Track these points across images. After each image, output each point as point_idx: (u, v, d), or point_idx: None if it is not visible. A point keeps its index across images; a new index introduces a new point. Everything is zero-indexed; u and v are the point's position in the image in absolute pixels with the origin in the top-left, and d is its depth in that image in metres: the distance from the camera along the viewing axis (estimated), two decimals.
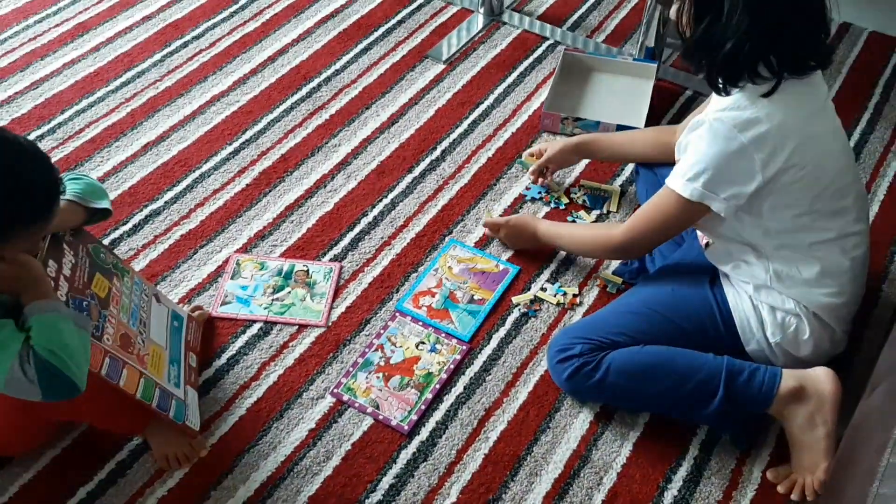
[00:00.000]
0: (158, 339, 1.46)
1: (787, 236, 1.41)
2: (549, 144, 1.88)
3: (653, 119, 2.07)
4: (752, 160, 1.32)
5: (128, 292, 1.44)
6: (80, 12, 2.40)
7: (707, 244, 1.54)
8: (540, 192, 1.90)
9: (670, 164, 1.47)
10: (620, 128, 2.00)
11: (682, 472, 1.44)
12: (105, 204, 1.41)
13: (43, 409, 1.27)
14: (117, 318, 1.38)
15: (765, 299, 1.44)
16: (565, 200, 1.89)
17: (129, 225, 1.81)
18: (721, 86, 1.34)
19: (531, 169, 1.90)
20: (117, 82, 2.17)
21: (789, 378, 1.40)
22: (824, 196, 1.39)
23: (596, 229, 1.70)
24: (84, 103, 2.11)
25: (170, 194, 1.89)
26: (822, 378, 1.39)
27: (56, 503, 1.37)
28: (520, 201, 1.89)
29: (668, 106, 2.15)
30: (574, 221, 1.84)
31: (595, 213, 1.87)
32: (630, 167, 1.96)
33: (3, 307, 1.22)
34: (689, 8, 1.34)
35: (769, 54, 1.30)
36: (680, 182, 1.38)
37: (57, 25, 2.35)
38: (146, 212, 1.85)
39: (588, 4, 2.50)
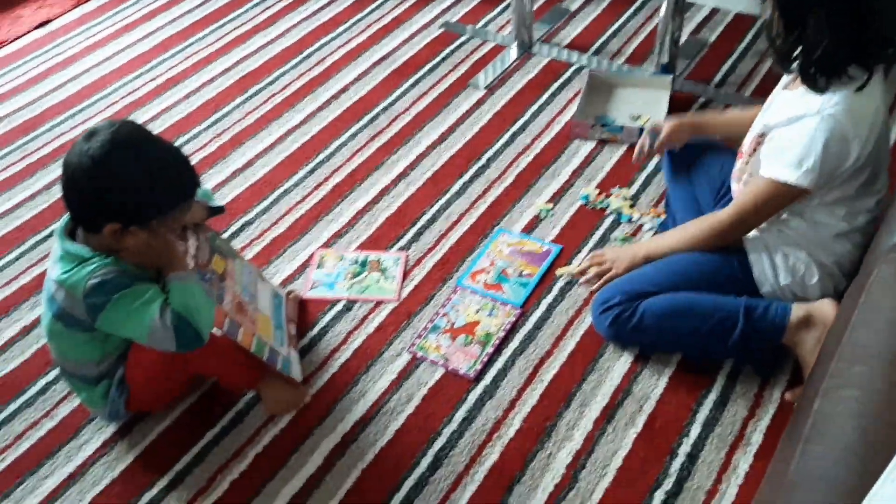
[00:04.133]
0: (265, 309, 1.77)
1: (836, 206, 1.62)
2: (665, 123, 1.97)
3: None
4: (854, 147, 1.51)
5: (239, 270, 1.76)
6: (170, 69, 2.80)
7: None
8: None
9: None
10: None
11: (712, 396, 1.69)
12: (219, 203, 1.75)
13: (180, 363, 1.57)
14: (233, 289, 1.69)
15: (780, 247, 1.69)
16: (636, 215, 2.10)
17: (228, 233, 2.14)
18: (820, 85, 1.51)
19: (656, 145, 1.98)
20: (207, 123, 2.55)
21: (798, 309, 1.64)
22: (874, 168, 1.60)
23: (703, 223, 1.76)
24: (180, 141, 2.47)
25: (259, 207, 2.23)
26: (826, 307, 1.63)
27: (188, 444, 1.66)
28: (559, 194, 2.19)
29: (685, 110, 2.44)
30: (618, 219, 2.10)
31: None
32: (653, 165, 2.25)
33: (149, 278, 1.54)
34: (778, 22, 1.53)
35: (859, 53, 1.47)
36: (796, 173, 1.54)
37: (151, 80, 2.75)
38: (241, 222, 2.18)
39: (608, 33, 2.83)
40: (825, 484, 0.97)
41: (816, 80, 1.53)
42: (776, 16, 1.53)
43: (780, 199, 1.62)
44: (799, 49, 1.54)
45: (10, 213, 2.28)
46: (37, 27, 3.07)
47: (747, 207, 1.66)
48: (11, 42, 3.01)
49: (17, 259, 2.13)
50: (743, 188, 1.71)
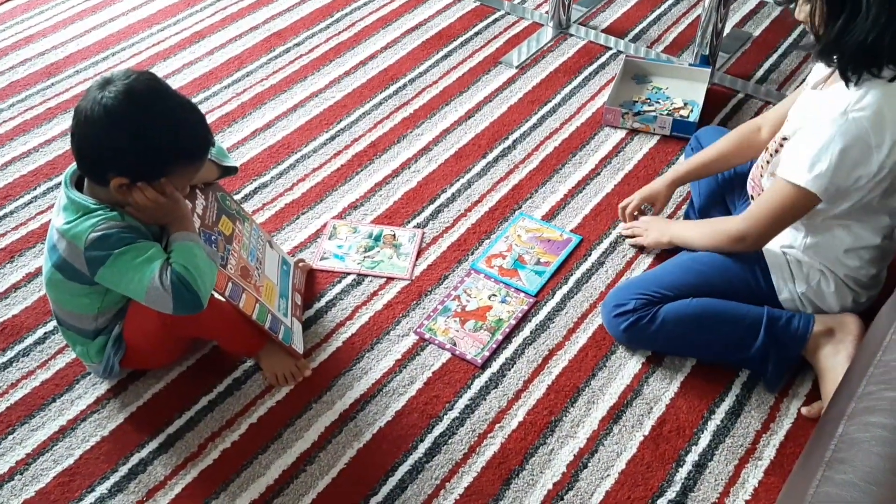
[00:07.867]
0: (271, 276, 1.72)
1: (846, 219, 1.55)
2: (648, 192, 1.92)
3: (706, 117, 2.28)
4: (875, 157, 1.42)
5: (248, 234, 1.70)
6: (197, 23, 2.74)
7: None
8: None
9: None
10: (677, 123, 2.22)
11: (725, 405, 1.62)
12: (232, 162, 1.69)
13: (179, 324, 1.52)
14: (239, 253, 1.64)
15: (793, 255, 1.62)
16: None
17: (241, 195, 2.09)
18: (855, 77, 1.41)
19: (629, 215, 1.95)
20: (229, 80, 2.49)
21: (821, 322, 1.58)
22: (890, 178, 1.49)
23: (721, 225, 1.71)
24: (201, 97, 2.42)
25: (275, 171, 2.17)
26: (848, 320, 1.58)
27: (182, 408, 1.62)
28: (584, 182, 2.12)
29: (722, 106, 2.36)
30: None
31: None
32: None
33: (154, 235, 1.49)
34: (822, 9, 1.40)
35: None
36: (807, 175, 1.45)
37: (177, 34, 2.69)
38: (255, 184, 2.13)
39: (649, 19, 2.74)
40: None
41: (853, 70, 1.41)
42: (819, 3, 1.41)
43: (794, 204, 1.51)
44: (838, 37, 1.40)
45: (25, 157, 2.23)
46: None
47: (761, 213, 1.58)
48: None
49: (27, 204, 2.09)
50: (760, 188, 1.64)
